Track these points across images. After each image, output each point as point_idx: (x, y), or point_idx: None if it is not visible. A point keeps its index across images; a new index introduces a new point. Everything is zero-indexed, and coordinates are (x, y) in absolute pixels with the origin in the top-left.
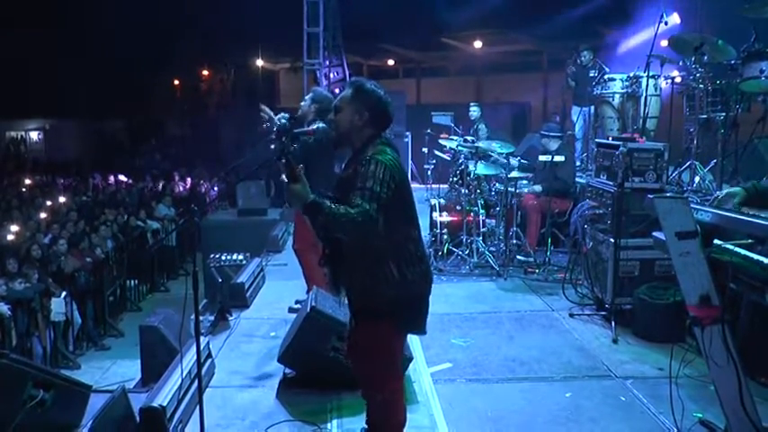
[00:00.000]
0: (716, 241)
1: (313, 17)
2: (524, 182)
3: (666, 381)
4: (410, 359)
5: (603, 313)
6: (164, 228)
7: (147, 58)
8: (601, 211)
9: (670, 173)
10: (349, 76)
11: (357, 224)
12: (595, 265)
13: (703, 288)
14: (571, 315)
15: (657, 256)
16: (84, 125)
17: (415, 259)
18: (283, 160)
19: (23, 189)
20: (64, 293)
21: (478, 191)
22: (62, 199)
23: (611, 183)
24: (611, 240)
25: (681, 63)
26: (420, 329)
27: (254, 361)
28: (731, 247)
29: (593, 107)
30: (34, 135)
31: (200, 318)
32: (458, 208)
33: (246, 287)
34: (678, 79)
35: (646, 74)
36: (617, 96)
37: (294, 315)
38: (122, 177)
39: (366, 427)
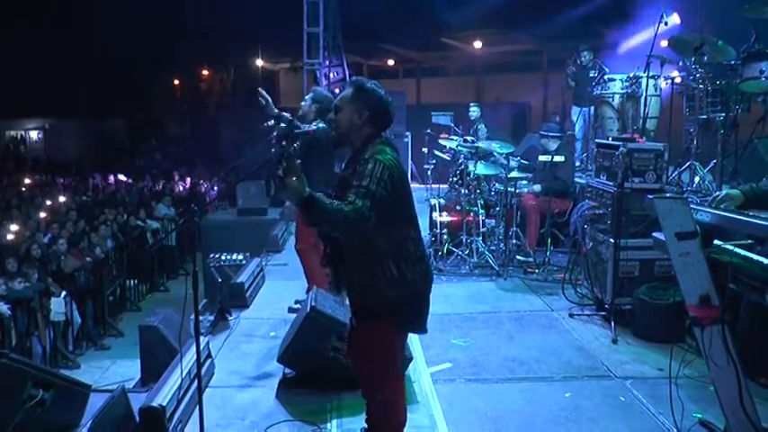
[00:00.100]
0: (716, 242)
1: (313, 17)
2: (524, 182)
3: (666, 381)
4: (410, 359)
5: (603, 313)
6: (163, 227)
7: (147, 58)
8: (601, 212)
9: (670, 173)
10: (349, 76)
11: (349, 221)
12: (595, 266)
13: (703, 288)
14: (571, 315)
15: (657, 256)
16: (83, 125)
17: (415, 259)
18: (283, 164)
19: (23, 189)
20: (63, 293)
21: (478, 191)
22: (62, 198)
23: (610, 183)
24: (611, 240)
25: (681, 63)
26: (420, 329)
27: (253, 361)
28: (731, 247)
29: (592, 107)
30: (34, 134)
31: (200, 318)
32: (458, 208)
33: (246, 287)
34: (678, 79)
35: (646, 74)
36: (617, 96)
37: (294, 315)
38: (122, 177)
39: (366, 426)
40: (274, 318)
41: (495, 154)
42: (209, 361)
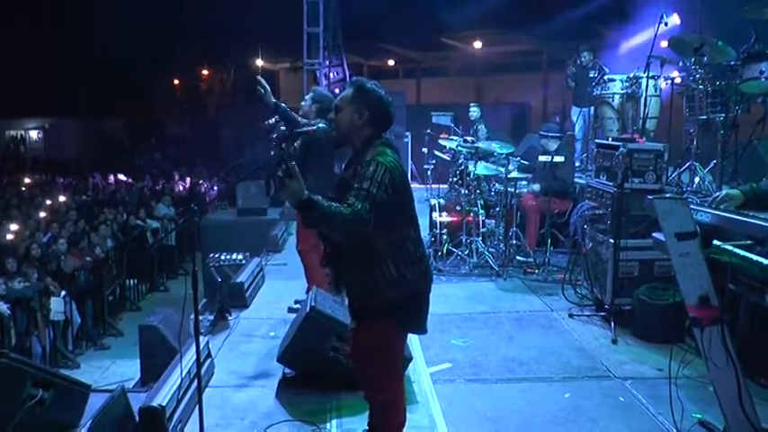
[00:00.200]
0: (715, 242)
1: (313, 17)
2: (524, 182)
3: (666, 381)
4: (410, 359)
5: (603, 314)
6: (163, 227)
7: (147, 58)
8: (600, 212)
9: (670, 173)
10: (349, 77)
11: (348, 223)
12: (595, 266)
13: (703, 289)
14: (570, 315)
15: (657, 256)
16: (83, 124)
17: (415, 259)
18: (283, 166)
19: (23, 188)
20: (63, 293)
21: (478, 191)
22: (62, 198)
23: (610, 183)
24: (611, 241)
25: (681, 64)
26: (420, 329)
27: (253, 361)
28: (730, 247)
29: (592, 108)
30: (34, 134)
31: (200, 317)
32: (457, 208)
33: (246, 287)
34: (678, 80)
35: (645, 74)
36: (617, 97)
37: (294, 315)
38: (122, 177)
39: (367, 428)
40: (274, 318)
41: (495, 154)
42: (208, 361)
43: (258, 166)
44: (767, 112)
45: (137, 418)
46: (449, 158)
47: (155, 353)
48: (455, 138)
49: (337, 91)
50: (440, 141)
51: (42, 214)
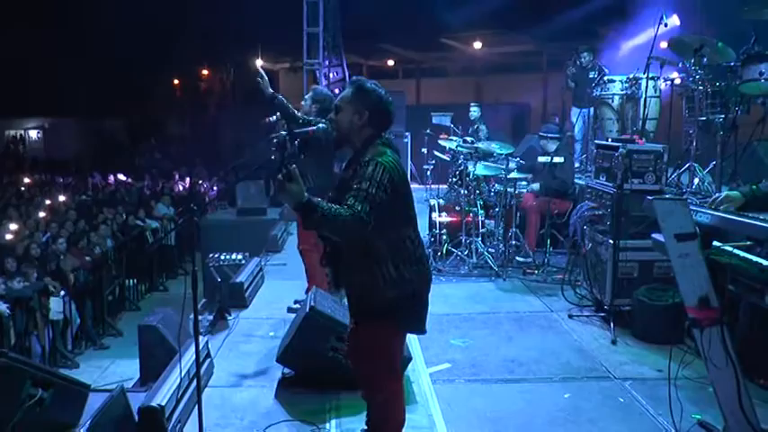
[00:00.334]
0: (715, 243)
1: (313, 17)
2: (523, 183)
3: (665, 382)
4: (409, 359)
5: (602, 314)
6: (163, 227)
7: (147, 58)
8: (600, 213)
9: (669, 174)
10: (349, 77)
11: (347, 226)
12: (594, 267)
13: (702, 290)
14: (570, 316)
15: (657, 257)
16: (83, 124)
17: (414, 259)
18: (284, 170)
19: (22, 188)
20: (63, 292)
21: (478, 191)
22: (61, 198)
23: (610, 184)
24: (611, 242)
25: (680, 65)
26: (419, 329)
27: (252, 361)
28: (730, 248)
29: (592, 108)
30: (33, 134)
31: (199, 317)
32: (457, 208)
33: (245, 287)
34: (678, 81)
35: (645, 75)
36: (616, 98)
37: (293, 315)
38: (122, 176)
39: (366, 428)
40: (273, 318)
41: (495, 154)
42: (208, 361)
43: (258, 166)
44: (767, 113)
45: (136, 418)
46: (448, 159)
47: (154, 353)
48: (455, 138)
49: (337, 91)
50: (439, 142)
51: (42, 214)
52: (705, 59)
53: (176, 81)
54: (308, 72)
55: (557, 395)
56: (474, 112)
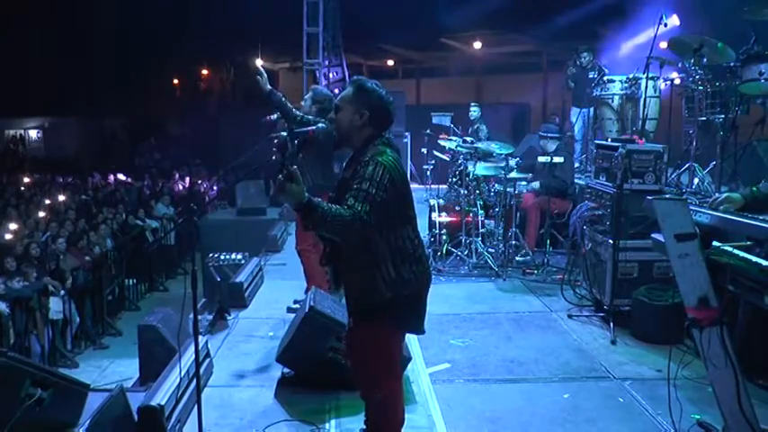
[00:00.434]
0: (714, 243)
1: (313, 17)
2: (523, 183)
3: (665, 382)
4: (408, 359)
5: (602, 314)
6: (163, 227)
7: (147, 58)
8: (600, 213)
9: (669, 174)
10: (349, 77)
11: (348, 226)
12: (594, 267)
13: (702, 290)
14: (569, 316)
15: (656, 257)
16: (83, 124)
17: (413, 259)
18: (284, 171)
19: (22, 187)
20: (62, 292)
21: (477, 191)
22: (61, 197)
23: (610, 184)
24: (610, 242)
25: (680, 65)
26: (418, 329)
27: (252, 360)
28: (730, 248)
29: (592, 108)
30: (33, 133)
31: (199, 317)
32: (457, 208)
33: (245, 287)
34: (677, 81)
35: (645, 75)
36: (616, 98)
37: (292, 315)
38: (121, 176)
39: (365, 427)
40: (273, 318)
41: (495, 154)
42: (207, 360)
43: (258, 166)
44: (766, 113)
45: (135, 418)
46: (448, 159)
47: (154, 352)
48: (454, 138)
49: (337, 91)
50: (439, 142)
51: (42, 213)
52: (705, 59)
53: (176, 81)
54: (308, 72)
55: (556, 395)
56: (474, 112)
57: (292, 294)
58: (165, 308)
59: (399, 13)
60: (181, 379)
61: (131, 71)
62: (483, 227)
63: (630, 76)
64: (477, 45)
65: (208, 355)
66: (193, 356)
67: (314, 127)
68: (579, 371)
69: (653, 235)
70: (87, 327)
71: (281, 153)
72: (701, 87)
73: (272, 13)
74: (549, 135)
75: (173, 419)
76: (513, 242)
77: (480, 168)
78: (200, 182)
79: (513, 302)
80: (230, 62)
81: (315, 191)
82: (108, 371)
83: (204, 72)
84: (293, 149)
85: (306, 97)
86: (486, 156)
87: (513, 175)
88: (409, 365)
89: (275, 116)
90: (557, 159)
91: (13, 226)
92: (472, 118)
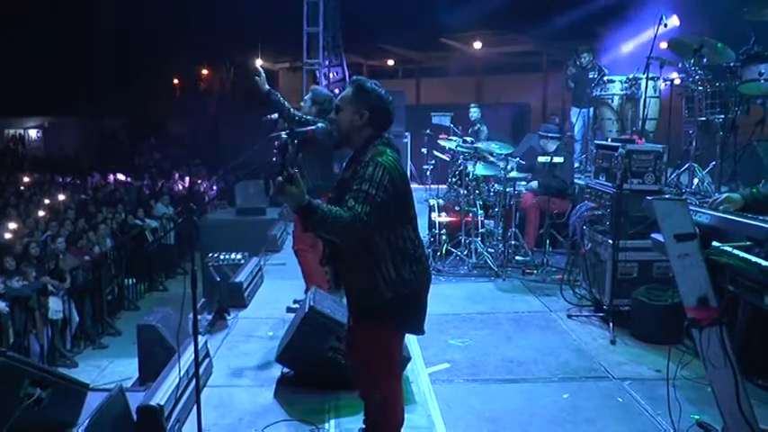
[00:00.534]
0: (714, 243)
1: (313, 17)
2: (523, 183)
3: (664, 382)
4: (408, 359)
5: (601, 314)
6: (162, 226)
7: (147, 58)
8: (599, 213)
9: (669, 174)
10: (349, 77)
11: (348, 227)
12: (594, 267)
13: (701, 290)
14: (569, 316)
15: (656, 257)
16: (83, 123)
17: (413, 259)
18: (284, 173)
19: (22, 187)
20: (62, 292)
21: (477, 191)
22: (61, 197)
23: (609, 184)
24: (610, 242)
25: (680, 65)
26: (418, 330)
27: (251, 360)
28: (730, 249)
29: (592, 108)
30: (33, 133)
31: (198, 317)
32: (456, 208)
33: (245, 287)
34: (677, 81)
35: (645, 76)
36: (616, 98)
37: (292, 315)
38: (121, 176)
39: (364, 427)
40: (273, 317)
41: (495, 154)
42: (207, 360)
43: (257, 166)
44: (766, 113)
45: (135, 418)
46: (448, 159)
47: (153, 352)
48: (454, 138)
49: (337, 91)
50: (439, 142)
51: (41, 213)
52: (705, 60)
53: (176, 81)
54: (308, 72)
55: (555, 395)
56: (474, 112)
57: (292, 294)
58: (165, 308)
59: (399, 13)
60: (180, 379)
61: (131, 71)
62: (482, 227)
63: (630, 76)
64: (477, 45)
65: (207, 354)
66: (193, 356)
67: (313, 127)
68: (579, 371)
69: (652, 235)
70: (87, 326)
71: (281, 154)
72: (700, 87)
73: (272, 13)
74: (548, 135)
75: (172, 419)
76: (513, 242)
77: (480, 168)
78: (199, 182)
79: (512, 302)
80: (230, 62)
81: (314, 192)
82: (107, 370)
83: (204, 72)
84: (293, 150)
85: (305, 98)
86: (485, 156)
87: (513, 174)
88: (409, 365)
89: (275, 115)
90: (556, 159)
91: (12, 225)
92: (472, 119)
